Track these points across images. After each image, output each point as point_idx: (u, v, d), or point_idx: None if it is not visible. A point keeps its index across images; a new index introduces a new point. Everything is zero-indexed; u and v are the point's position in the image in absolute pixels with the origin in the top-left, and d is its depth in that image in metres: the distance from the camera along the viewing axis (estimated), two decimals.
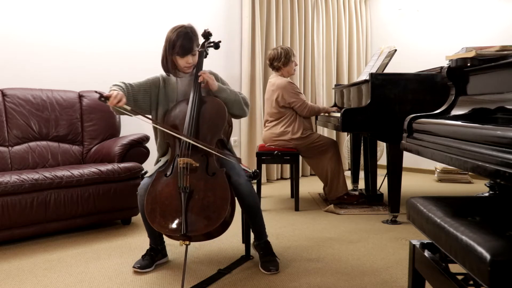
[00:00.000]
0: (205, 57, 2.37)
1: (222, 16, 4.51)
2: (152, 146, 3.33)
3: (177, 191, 1.99)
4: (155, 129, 2.31)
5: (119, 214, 2.99)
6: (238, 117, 2.34)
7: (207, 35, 2.40)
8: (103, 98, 1.98)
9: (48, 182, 2.62)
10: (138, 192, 2.13)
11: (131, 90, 2.18)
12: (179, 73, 2.28)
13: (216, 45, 2.42)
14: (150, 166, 2.56)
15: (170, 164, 2.13)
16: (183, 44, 2.16)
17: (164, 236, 2.27)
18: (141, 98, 2.21)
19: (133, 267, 2.17)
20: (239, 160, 2.23)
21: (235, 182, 2.09)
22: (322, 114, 3.83)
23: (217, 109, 2.20)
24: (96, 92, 2.08)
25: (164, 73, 2.30)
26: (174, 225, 1.92)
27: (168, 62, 2.22)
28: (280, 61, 3.60)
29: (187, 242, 1.88)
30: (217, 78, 2.33)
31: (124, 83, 2.19)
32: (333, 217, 3.23)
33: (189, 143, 2.06)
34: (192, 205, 1.95)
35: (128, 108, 2.06)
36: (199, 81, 2.19)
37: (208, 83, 2.20)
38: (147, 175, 2.19)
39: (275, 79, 3.63)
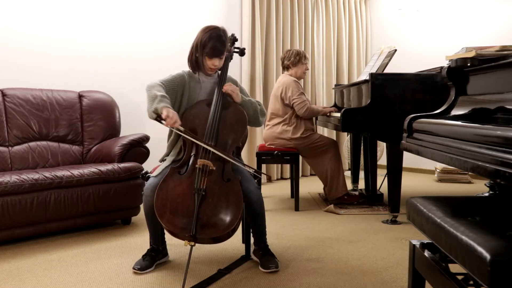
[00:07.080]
0: (230, 61, 2.36)
1: (222, 16, 4.51)
2: (152, 146, 3.34)
3: (191, 191, 1.98)
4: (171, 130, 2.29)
5: (119, 214, 2.98)
6: (252, 126, 2.36)
7: (233, 40, 2.41)
8: (160, 119, 2.03)
9: (48, 182, 2.62)
10: (144, 192, 2.10)
11: (165, 89, 2.16)
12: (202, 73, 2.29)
13: (242, 52, 2.46)
14: (150, 166, 2.56)
15: (185, 163, 2.12)
16: (214, 45, 2.15)
17: (165, 235, 2.27)
18: (170, 96, 2.18)
19: (133, 268, 2.16)
20: (254, 174, 2.24)
21: (246, 189, 2.09)
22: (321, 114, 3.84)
23: (238, 117, 2.21)
24: (154, 112, 2.07)
25: (187, 70, 2.30)
26: (183, 224, 1.91)
27: (198, 61, 2.22)
28: (289, 60, 3.66)
29: (193, 243, 1.88)
30: (236, 85, 2.35)
31: (161, 84, 2.16)
32: (333, 217, 3.23)
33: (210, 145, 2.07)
34: (205, 207, 1.94)
35: (182, 129, 2.07)
36: (223, 90, 2.20)
37: (232, 95, 2.22)
38: (154, 174, 2.16)
39: (282, 76, 3.69)
